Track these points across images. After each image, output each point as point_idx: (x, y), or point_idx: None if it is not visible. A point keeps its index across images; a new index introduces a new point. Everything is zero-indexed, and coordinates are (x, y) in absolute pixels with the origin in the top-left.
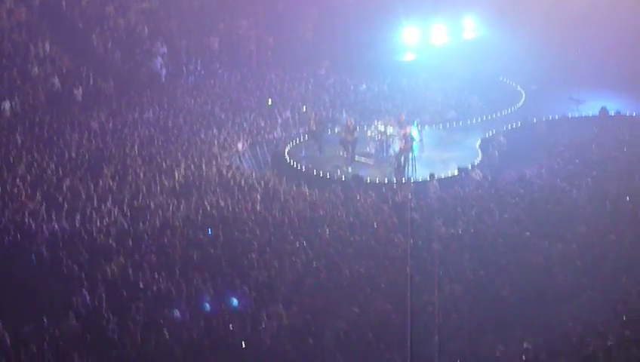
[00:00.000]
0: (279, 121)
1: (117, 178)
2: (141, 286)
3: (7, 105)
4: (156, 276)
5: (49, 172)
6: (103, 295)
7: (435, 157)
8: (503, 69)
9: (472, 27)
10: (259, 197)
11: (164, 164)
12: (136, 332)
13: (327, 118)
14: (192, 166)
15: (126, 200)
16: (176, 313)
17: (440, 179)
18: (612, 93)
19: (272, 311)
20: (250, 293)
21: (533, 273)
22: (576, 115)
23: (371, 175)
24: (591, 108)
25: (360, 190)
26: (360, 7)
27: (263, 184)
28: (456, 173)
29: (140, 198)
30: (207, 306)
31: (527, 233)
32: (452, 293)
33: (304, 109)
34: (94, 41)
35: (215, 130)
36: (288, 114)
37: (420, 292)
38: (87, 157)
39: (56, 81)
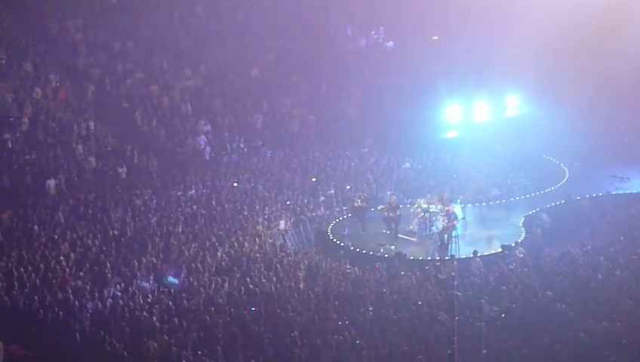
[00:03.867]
0: (322, 198)
1: (160, 256)
2: None
3: (52, 183)
4: (199, 353)
5: (93, 249)
6: None
7: (479, 235)
8: (546, 147)
9: (515, 105)
10: (302, 275)
11: (207, 241)
12: None
13: (371, 196)
14: (236, 244)
15: (169, 278)
16: None
17: (483, 257)
18: None
19: None
20: None
21: (578, 351)
22: (620, 193)
23: (414, 252)
24: (635, 186)
25: (403, 268)
26: (403, 85)
27: (306, 262)
28: (499, 250)
29: (183, 276)
30: None
31: (571, 312)
32: None
33: (347, 187)
34: (138, 120)
35: (258, 208)
36: (331, 191)
37: None
38: (130, 234)
39: (101, 159)
